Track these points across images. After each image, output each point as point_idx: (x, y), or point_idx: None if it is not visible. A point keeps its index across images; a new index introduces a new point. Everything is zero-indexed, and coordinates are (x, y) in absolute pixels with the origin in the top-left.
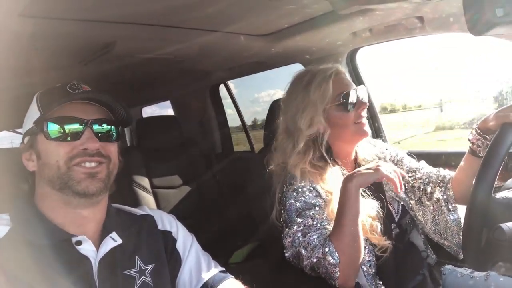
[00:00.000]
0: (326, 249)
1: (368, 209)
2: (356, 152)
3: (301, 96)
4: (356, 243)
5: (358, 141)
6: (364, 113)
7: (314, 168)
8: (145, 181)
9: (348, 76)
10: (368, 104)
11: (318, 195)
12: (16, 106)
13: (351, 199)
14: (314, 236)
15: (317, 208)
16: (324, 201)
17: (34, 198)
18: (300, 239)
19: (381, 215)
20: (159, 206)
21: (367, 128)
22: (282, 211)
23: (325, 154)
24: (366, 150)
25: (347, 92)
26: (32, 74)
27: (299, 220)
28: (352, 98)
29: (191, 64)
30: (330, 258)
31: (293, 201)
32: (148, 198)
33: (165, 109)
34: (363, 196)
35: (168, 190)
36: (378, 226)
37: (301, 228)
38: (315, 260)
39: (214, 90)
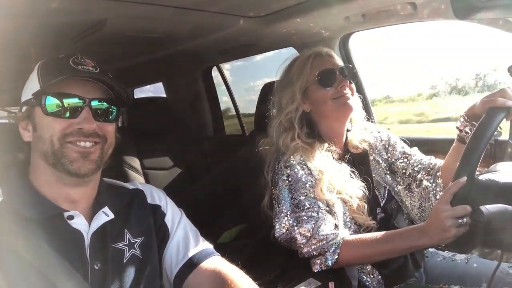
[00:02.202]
0: (328, 256)
1: (355, 189)
2: (347, 136)
3: (284, 78)
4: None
5: (343, 117)
6: (347, 90)
7: (305, 144)
8: (135, 162)
9: (335, 58)
10: (351, 82)
11: (310, 173)
12: (7, 82)
13: (409, 243)
14: (308, 226)
15: (307, 186)
16: (316, 180)
17: (28, 171)
18: (295, 227)
19: (368, 196)
20: None
21: (351, 102)
22: (274, 189)
23: (303, 131)
24: (357, 136)
25: (323, 70)
26: (23, 50)
27: (290, 198)
28: (329, 75)
29: (183, 45)
30: (329, 261)
31: (285, 178)
32: (138, 179)
33: (159, 91)
34: (351, 177)
35: (159, 172)
36: (365, 206)
37: (293, 209)
38: (316, 253)
39: (206, 73)
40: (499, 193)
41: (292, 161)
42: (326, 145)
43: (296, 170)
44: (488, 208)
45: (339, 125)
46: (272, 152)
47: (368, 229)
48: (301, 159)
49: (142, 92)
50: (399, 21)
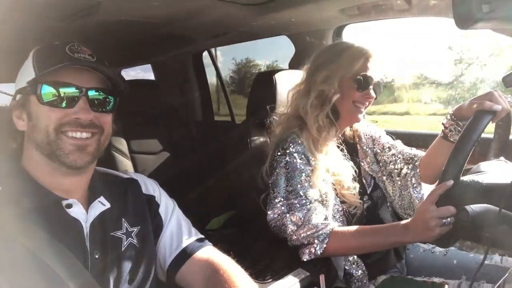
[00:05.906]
0: (317, 245)
1: (348, 168)
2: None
3: (331, 56)
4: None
5: (350, 122)
6: (366, 103)
7: (325, 124)
8: (123, 146)
9: (379, 69)
10: (373, 99)
11: (307, 163)
12: None
13: (394, 239)
14: (300, 215)
15: (304, 175)
16: (312, 169)
17: (22, 159)
18: (287, 214)
19: (356, 177)
20: (137, 171)
21: (361, 116)
22: (271, 175)
23: (330, 114)
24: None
25: (369, 76)
26: (16, 31)
27: (286, 185)
28: (368, 83)
29: (176, 29)
30: (318, 251)
31: (283, 165)
32: (126, 163)
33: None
34: (344, 159)
35: (147, 156)
36: (357, 186)
37: (287, 195)
38: (305, 241)
39: (197, 57)
40: (482, 194)
41: (291, 149)
42: (335, 131)
43: (294, 158)
44: (473, 207)
45: (345, 123)
46: (275, 139)
47: (356, 216)
48: (301, 148)
49: (130, 75)
50: (393, 15)
